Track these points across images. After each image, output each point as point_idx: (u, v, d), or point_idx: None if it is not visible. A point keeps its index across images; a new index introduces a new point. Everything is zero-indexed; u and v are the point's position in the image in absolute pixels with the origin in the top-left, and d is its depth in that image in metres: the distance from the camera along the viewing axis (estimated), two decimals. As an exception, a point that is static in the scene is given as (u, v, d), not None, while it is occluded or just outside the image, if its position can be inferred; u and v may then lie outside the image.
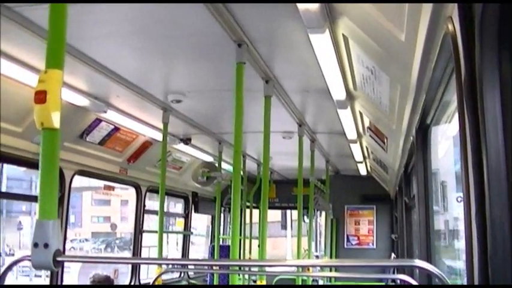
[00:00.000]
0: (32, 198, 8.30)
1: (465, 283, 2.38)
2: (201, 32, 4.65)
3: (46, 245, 2.56)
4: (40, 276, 25.10)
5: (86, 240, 44.97)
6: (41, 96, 2.56)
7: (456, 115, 3.61)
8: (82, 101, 6.42)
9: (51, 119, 2.58)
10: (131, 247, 10.60)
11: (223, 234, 13.89)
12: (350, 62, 4.93)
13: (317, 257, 15.79)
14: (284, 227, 25.70)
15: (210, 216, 14.33)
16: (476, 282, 2.01)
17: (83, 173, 8.02)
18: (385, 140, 6.91)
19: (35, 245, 2.57)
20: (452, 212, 5.25)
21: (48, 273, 7.91)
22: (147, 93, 6.59)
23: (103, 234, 45.70)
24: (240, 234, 11.74)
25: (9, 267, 3.13)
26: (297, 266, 7.82)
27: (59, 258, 2.58)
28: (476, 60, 1.93)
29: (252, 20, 4.41)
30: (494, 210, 1.86)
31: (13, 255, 30.04)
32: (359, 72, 5.03)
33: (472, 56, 1.96)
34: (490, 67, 1.88)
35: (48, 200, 2.65)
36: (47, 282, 7.98)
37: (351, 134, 8.13)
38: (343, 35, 4.29)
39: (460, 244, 4.94)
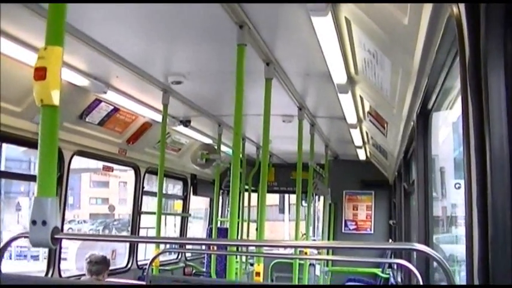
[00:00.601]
0: (31, 178, 8.29)
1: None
2: (203, 14, 4.62)
3: (44, 223, 2.55)
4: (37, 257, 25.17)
5: (84, 221, 44.96)
6: (40, 73, 2.53)
7: (457, 101, 3.61)
8: (82, 81, 6.40)
9: (50, 95, 2.56)
10: (129, 229, 10.62)
11: (222, 217, 13.90)
12: (352, 45, 4.90)
13: (314, 241, 15.82)
14: (282, 210, 25.75)
15: (208, 199, 14.35)
16: (476, 268, 1.99)
17: (82, 153, 8.02)
18: (385, 125, 6.89)
19: (33, 222, 2.55)
20: (450, 198, 5.26)
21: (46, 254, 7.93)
22: (147, 74, 6.56)
23: (101, 215, 45.73)
24: (238, 217, 11.76)
25: (7, 244, 3.12)
26: (295, 247, 7.82)
27: (56, 236, 2.57)
28: (481, 43, 1.91)
29: (253, 2, 4.38)
30: (496, 196, 1.84)
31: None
32: (361, 56, 5.01)
33: (476, 38, 1.94)
34: (495, 50, 1.86)
35: (47, 177, 2.63)
36: (44, 263, 7.99)
37: (351, 118, 8.11)
38: (345, 18, 4.26)
39: (459, 230, 4.95)
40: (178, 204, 13.45)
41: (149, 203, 10.98)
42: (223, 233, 11.45)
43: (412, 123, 5.04)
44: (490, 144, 1.86)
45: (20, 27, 4.90)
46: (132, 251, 10.08)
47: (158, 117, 8.03)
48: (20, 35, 5.07)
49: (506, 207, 1.82)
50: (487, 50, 1.89)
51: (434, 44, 2.96)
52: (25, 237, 2.65)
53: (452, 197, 5.11)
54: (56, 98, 2.58)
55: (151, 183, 11.31)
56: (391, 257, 11.26)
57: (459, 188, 4.57)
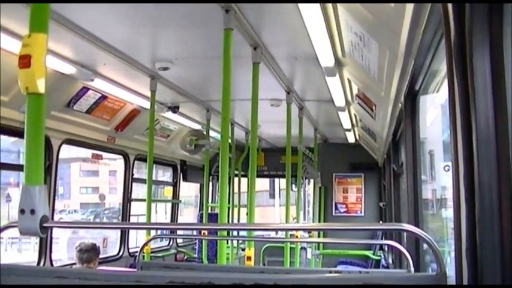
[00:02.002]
0: (19, 168, 8.26)
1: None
2: (188, -2, 4.60)
3: (32, 211, 2.54)
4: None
5: (75, 211, 44.88)
6: (25, 61, 2.52)
7: (444, 84, 3.62)
8: (69, 69, 6.36)
9: (36, 83, 2.54)
10: (120, 217, 10.61)
11: (212, 202, 13.91)
12: (339, 28, 4.89)
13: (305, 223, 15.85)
14: (272, 195, 25.75)
15: (198, 186, 14.34)
16: (464, 246, 2.01)
17: (70, 141, 7.99)
18: (374, 108, 6.90)
19: (22, 211, 2.55)
20: (439, 181, 5.27)
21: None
22: (134, 61, 6.54)
23: (92, 205, 45.67)
24: (229, 203, 11.77)
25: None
26: (286, 230, 7.85)
27: (45, 224, 2.56)
28: (466, 24, 1.91)
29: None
30: (483, 175, 1.85)
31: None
32: (348, 38, 5.00)
33: (462, 19, 1.94)
34: (480, 31, 1.86)
35: (35, 165, 2.62)
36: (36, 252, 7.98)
37: (339, 101, 8.11)
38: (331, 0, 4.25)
39: (448, 213, 4.97)
40: (168, 191, 13.43)
41: (139, 191, 10.97)
42: (214, 218, 11.45)
43: (400, 105, 5.04)
44: (476, 123, 1.87)
45: (4, 14, 4.85)
46: (123, 238, 10.08)
47: (146, 104, 8.01)
48: (3, 22, 5.01)
49: (492, 186, 1.83)
50: (472, 31, 1.89)
51: (421, 26, 2.96)
52: (14, 226, 2.65)
53: (442, 179, 5.12)
54: (41, 86, 2.57)
55: (141, 171, 11.29)
56: (382, 239, 11.31)
57: (448, 170, 4.58)
